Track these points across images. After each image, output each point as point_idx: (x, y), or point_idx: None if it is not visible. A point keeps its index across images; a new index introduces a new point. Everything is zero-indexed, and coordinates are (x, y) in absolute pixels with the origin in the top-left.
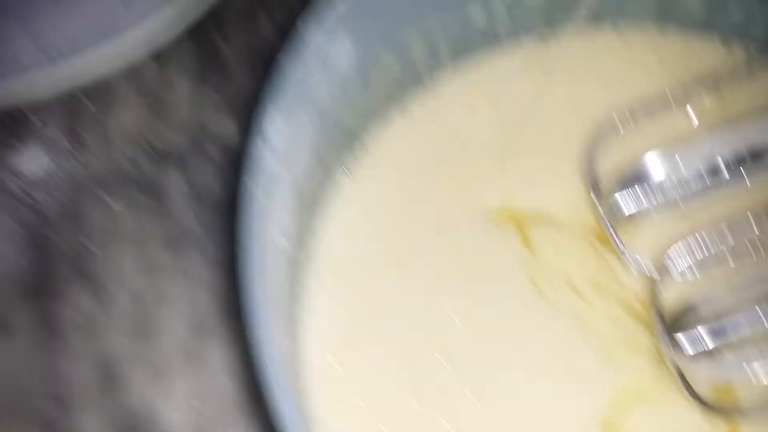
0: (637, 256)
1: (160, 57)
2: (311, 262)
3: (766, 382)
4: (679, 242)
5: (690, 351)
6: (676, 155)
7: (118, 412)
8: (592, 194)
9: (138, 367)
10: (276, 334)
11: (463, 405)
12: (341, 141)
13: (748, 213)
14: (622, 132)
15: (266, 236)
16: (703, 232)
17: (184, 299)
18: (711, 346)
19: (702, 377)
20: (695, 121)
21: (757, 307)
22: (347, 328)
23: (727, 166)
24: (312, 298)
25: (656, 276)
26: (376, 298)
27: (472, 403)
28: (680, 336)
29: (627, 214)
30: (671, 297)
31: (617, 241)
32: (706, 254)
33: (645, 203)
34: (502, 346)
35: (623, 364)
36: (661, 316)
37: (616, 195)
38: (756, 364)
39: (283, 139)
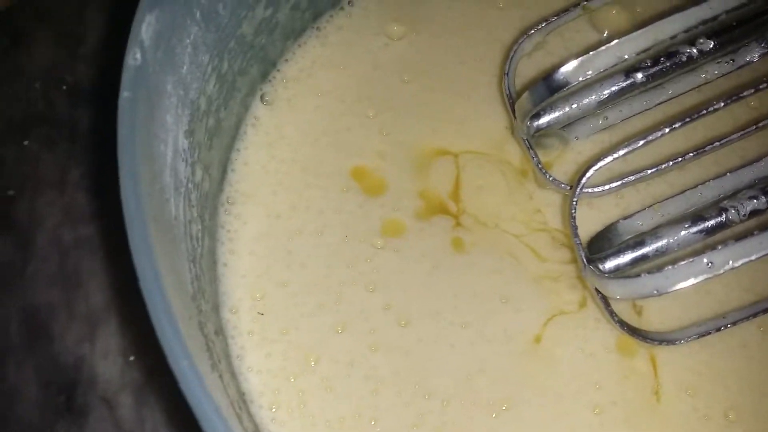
0: (552, 174)
1: None
2: (225, 196)
3: (677, 288)
4: (600, 159)
5: (608, 270)
6: (588, 62)
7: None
8: (510, 111)
9: (65, 317)
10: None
11: (386, 331)
12: (256, 69)
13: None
14: (532, 49)
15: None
16: (623, 149)
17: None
18: (628, 263)
19: (620, 296)
20: (604, 32)
21: (675, 223)
22: (268, 262)
23: (642, 68)
24: (229, 233)
25: (573, 192)
26: (297, 229)
27: (395, 329)
28: (600, 256)
29: (545, 124)
30: (593, 218)
31: (534, 155)
32: (626, 169)
33: (563, 113)
34: (431, 275)
35: (552, 289)
36: (577, 235)
37: (532, 106)
38: (668, 273)
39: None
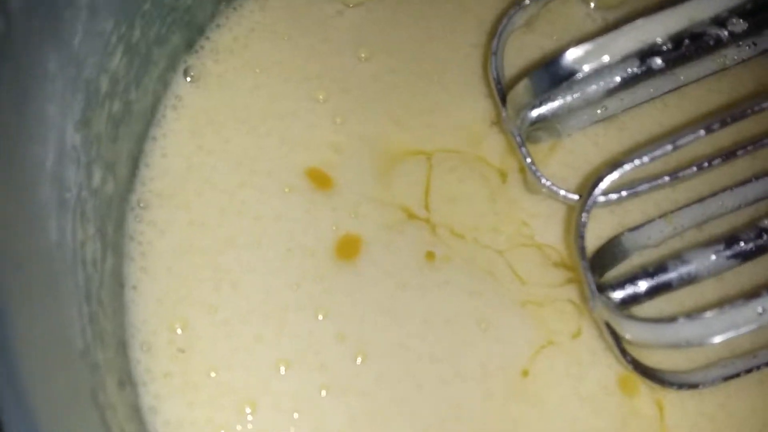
0: (547, 179)
1: None
2: (137, 198)
3: (716, 340)
4: (618, 166)
5: (620, 300)
6: (605, 46)
7: None
8: (497, 99)
9: None
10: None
11: (339, 368)
12: (179, 37)
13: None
14: (524, 24)
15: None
16: (647, 154)
17: None
18: (646, 293)
19: (640, 340)
20: (591, 3)
21: (705, 245)
22: (191, 282)
23: (662, 52)
24: (141, 247)
25: (583, 204)
26: (228, 240)
27: (349, 365)
28: (612, 283)
29: (541, 116)
30: (593, 232)
31: (527, 155)
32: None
33: (563, 104)
34: (395, 298)
35: (539, 316)
36: (585, 257)
37: (531, 97)
38: (710, 320)
39: None
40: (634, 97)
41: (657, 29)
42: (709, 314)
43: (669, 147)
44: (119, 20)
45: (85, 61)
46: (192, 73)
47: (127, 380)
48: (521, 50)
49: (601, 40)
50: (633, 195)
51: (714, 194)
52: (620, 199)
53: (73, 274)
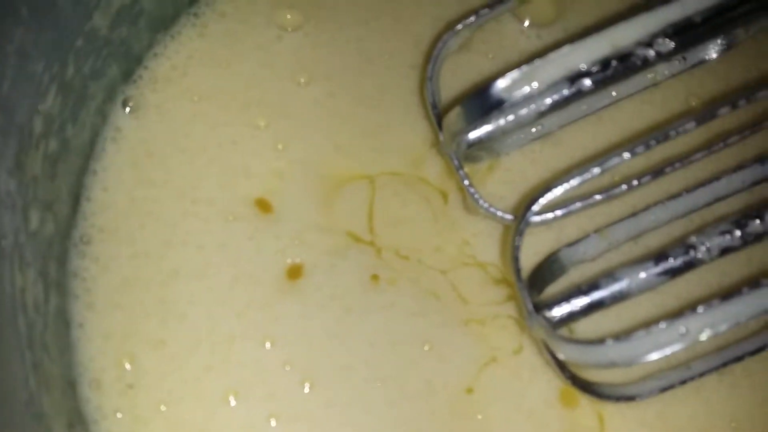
0: (484, 201)
1: None
2: (79, 234)
3: (642, 361)
4: (549, 189)
5: (558, 319)
6: (532, 74)
7: None
8: (434, 122)
9: None
10: None
11: (287, 396)
12: (116, 68)
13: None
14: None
15: None
16: (576, 177)
17: None
18: (581, 311)
19: (573, 361)
20: (525, 21)
21: (635, 263)
22: (137, 316)
23: (591, 74)
24: (85, 283)
25: (517, 227)
26: (173, 271)
27: (297, 393)
28: (548, 303)
29: (476, 139)
30: (531, 248)
31: (464, 177)
32: (571, 194)
33: (497, 127)
34: (341, 322)
35: (482, 334)
36: (521, 278)
37: (464, 124)
38: (636, 343)
39: None
40: (568, 115)
41: (582, 56)
42: (636, 336)
43: (597, 170)
44: (50, 61)
45: (15, 107)
46: (131, 104)
47: (77, 421)
48: (457, 70)
49: (526, 68)
50: (567, 214)
51: (646, 209)
52: (555, 219)
53: (13, 324)
